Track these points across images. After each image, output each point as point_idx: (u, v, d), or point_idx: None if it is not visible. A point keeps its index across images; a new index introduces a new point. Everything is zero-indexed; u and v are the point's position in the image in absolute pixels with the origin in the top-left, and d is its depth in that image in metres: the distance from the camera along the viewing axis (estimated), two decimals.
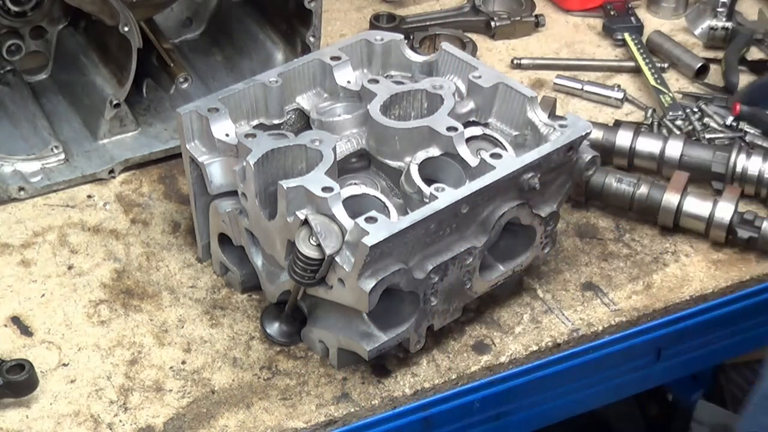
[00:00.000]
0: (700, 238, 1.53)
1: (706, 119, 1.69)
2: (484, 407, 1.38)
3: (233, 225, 1.37)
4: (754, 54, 1.88)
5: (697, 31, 1.92)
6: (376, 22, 1.90)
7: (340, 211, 1.22)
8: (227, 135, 1.35)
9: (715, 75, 1.82)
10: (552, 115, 1.56)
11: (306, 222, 1.23)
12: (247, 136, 1.32)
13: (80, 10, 1.60)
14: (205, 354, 1.36)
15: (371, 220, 1.20)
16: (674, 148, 1.59)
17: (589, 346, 1.42)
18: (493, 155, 1.30)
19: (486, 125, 1.42)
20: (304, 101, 1.45)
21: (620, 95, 1.77)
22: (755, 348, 1.64)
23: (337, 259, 1.21)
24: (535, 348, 1.39)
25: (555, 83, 1.80)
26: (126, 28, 1.54)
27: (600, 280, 1.47)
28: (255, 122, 1.42)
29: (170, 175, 1.62)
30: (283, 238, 1.28)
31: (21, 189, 1.55)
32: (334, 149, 1.31)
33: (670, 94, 1.75)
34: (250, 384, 1.32)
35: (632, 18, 1.92)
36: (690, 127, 1.69)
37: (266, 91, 1.41)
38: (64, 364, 1.34)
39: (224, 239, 1.41)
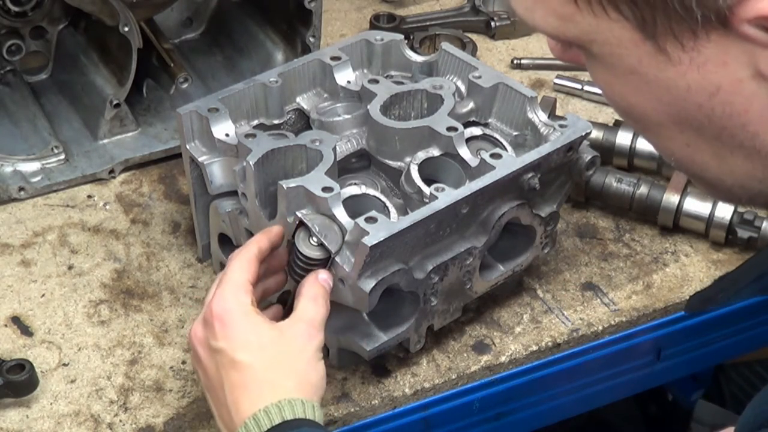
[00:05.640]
0: (700, 238, 1.53)
1: None
2: (484, 407, 1.38)
3: (233, 225, 1.37)
4: None
5: None
6: (376, 22, 1.90)
7: (340, 211, 1.22)
8: (227, 135, 1.35)
9: None
10: (552, 115, 1.56)
11: (304, 223, 1.23)
12: (247, 136, 1.32)
13: (80, 10, 1.60)
14: None
15: (371, 220, 1.20)
16: None
17: (589, 346, 1.42)
18: (493, 155, 1.30)
19: (486, 125, 1.42)
20: (304, 101, 1.45)
21: None
22: (755, 348, 1.64)
23: (337, 259, 1.21)
24: (535, 348, 1.39)
25: (555, 83, 1.79)
26: (126, 28, 1.54)
27: (600, 280, 1.47)
28: (255, 122, 1.42)
29: (170, 175, 1.62)
30: None
31: (21, 189, 1.55)
32: (334, 149, 1.30)
33: None
34: None
35: None
36: None
37: (266, 91, 1.41)
38: (64, 364, 1.34)
39: (224, 239, 1.41)
